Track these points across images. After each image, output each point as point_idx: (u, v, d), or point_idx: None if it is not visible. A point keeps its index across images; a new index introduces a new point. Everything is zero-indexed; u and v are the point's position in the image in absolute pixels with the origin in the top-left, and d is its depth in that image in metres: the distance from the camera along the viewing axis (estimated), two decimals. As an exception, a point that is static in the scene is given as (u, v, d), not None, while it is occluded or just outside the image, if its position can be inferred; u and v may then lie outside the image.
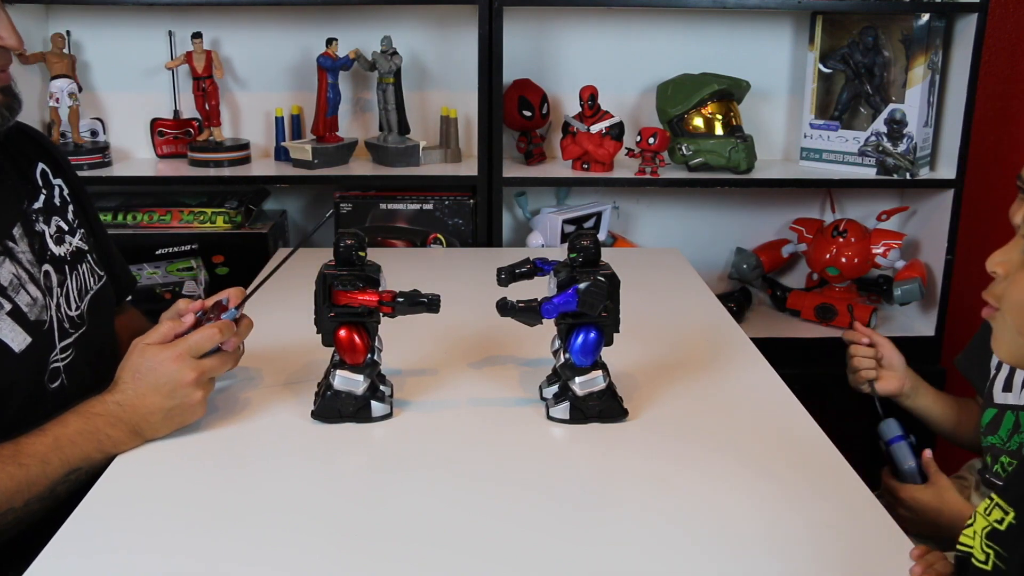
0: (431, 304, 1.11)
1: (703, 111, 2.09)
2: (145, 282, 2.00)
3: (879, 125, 2.10)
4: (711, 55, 2.19)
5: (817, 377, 1.66)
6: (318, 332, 1.11)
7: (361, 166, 2.14)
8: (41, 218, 1.19)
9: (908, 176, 2.08)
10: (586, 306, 1.09)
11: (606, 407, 1.14)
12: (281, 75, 2.20)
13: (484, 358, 1.32)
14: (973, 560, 0.77)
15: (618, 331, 1.13)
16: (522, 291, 1.16)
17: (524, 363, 1.29)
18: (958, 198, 2.11)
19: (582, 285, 1.09)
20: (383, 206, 2.09)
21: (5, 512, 0.97)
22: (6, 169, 1.18)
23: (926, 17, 2.01)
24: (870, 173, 2.12)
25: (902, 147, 2.07)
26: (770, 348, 1.40)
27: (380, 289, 1.11)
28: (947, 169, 2.13)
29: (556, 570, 0.87)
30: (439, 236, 2.09)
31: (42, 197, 1.22)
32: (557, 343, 1.17)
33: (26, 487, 0.98)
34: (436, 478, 1.02)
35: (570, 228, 2.16)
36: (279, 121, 2.18)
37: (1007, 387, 1.33)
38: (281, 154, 2.17)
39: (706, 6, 2.08)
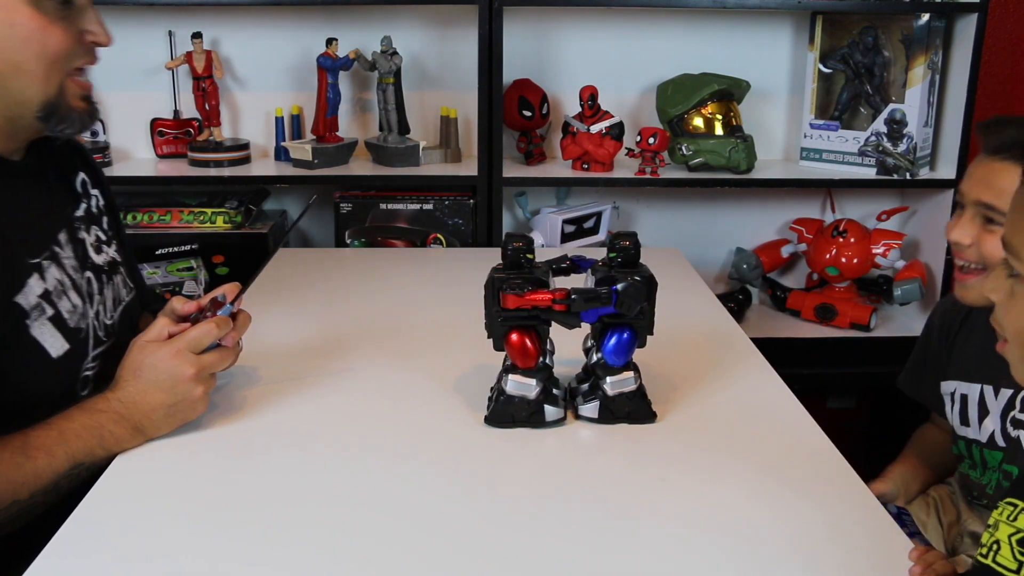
0: (606, 298, 1.09)
1: (703, 111, 2.09)
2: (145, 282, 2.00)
3: (879, 125, 2.10)
4: (711, 55, 2.19)
5: (817, 377, 1.68)
6: (489, 336, 1.10)
7: (361, 166, 2.14)
8: (83, 226, 1.20)
9: (908, 176, 2.08)
10: (624, 307, 1.09)
11: (635, 408, 1.14)
12: (281, 75, 2.20)
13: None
14: (1002, 571, 0.75)
15: (652, 333, 1.13)
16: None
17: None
18: (958, 198, 2.11)
19: (620, 285, 1.08)
20: (383, 206, 2.09)
21: (10, 504, 0.97)
22: (54, 175, 1.19)
23: (926, 17, 2.01)
24: (870, 173, 2.12)
25: (902, 147, 2.07)
26: (770, 348, 1.40)
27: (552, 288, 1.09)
28: (947, 169, 2.13)
29: (570, 568, 0.87)
30: (439, 236, 2.09)
31: (83, 206, 1.23)
32: (590, 342, 1.17)
33: (32, 479, 0.98)
34: (455, 473, 1.02)
35: (570, 228, 2.16)
36: (279, 121, 2.18)
37: (964, 421, 1.32)
38: (281, 154, 2.17)
39: (706, 6, 2.08)
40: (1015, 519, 0.75)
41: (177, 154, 2.20)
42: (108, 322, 1.20)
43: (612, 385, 1.12)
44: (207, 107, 2.12)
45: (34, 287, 1.05)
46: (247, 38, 2.17)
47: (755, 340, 1.43)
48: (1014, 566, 0.74)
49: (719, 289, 2.36)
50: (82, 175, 1.25)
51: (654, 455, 1.08)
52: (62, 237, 1.14)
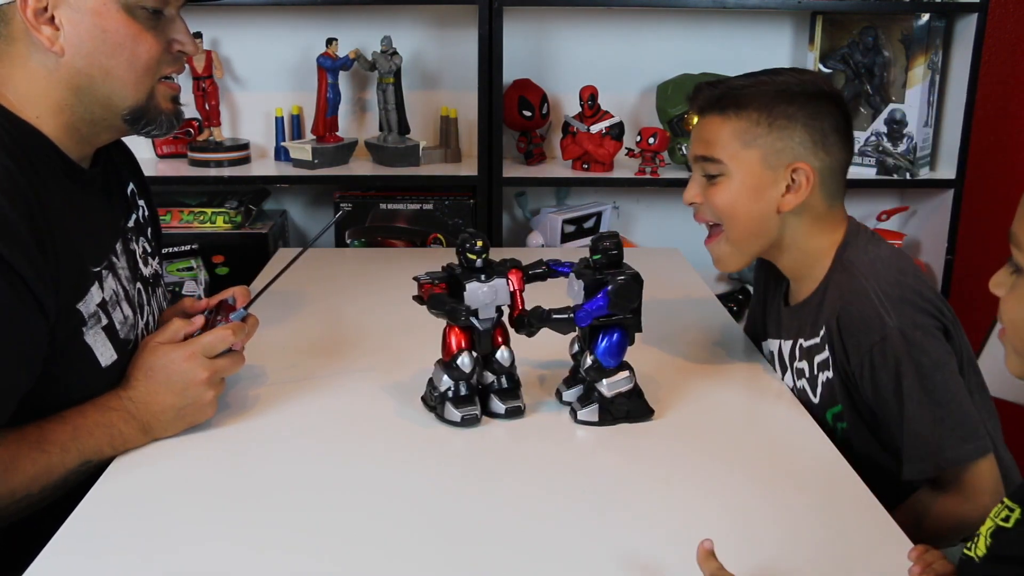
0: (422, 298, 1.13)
1: (703, 111, 2.09)
2: (145, 282, 2.00)
3: (879, 125, 2.10)
4: (711, 55, 2.19)
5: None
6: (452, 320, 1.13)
7: (361, 166, 2.14)
8: (133, 237, 1.20)
9: (908, 176, 2.08)
10: (617, 306, 1.09)
11: (634, 407, 1.14)
12: (281, 75, 2.20)
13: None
14: (975, 558, 0.77)
15: (640, 330, 1.13)
16: (536, 292, 1.17)
17: (538, 365, 1.29)
18: (958, 198, 2.11)
19: (612, 286, 1.09)
20: (383, 206, 2.09)
21: (20, 498, 0.97)
22: (112, 182, 1.19)
23: (926, 17, 2.01)
24: (870, 173, 2.12)
25: (902, 147, 2.07)
26: (770, 348, 1.40)
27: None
28: (947, 169, 2.13)
29: (577, 567, 0.87)
30: (439, 236, 2.09)
31: (133, 216, 1.22)
32: (577, 345, 1.17)
33: (45, 473, 0.98)
34: (458, 473, 1.03)
35: (570, 228, 2.16)
36: (279, 121, 2.18)
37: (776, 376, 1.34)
38: (281, 154, 2.17)
39: (706, 6, 2.08)
40: (999, 514, 0.77)
41: (177, 154, 2.20)
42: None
43: (609, 387, 1.12)
44: (207, 107, 2.12)
45: (94, 296, 1.05)
46: (247, 38, 2.17)
47: (755, 340, 1.43)
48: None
49: (719, 289, 2.35)
50: (131, 185, 1.25)
51: (654, 455, 1.08)
52: (118, 247, 1.14)
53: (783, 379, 1.30)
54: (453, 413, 1.12)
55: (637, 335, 1.15)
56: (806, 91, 1.22)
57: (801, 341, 1.25)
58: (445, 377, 1.12)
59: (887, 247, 1.22)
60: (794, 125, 1.19)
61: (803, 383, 1.25)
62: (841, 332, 1.15)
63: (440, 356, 1.14)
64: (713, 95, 1.25)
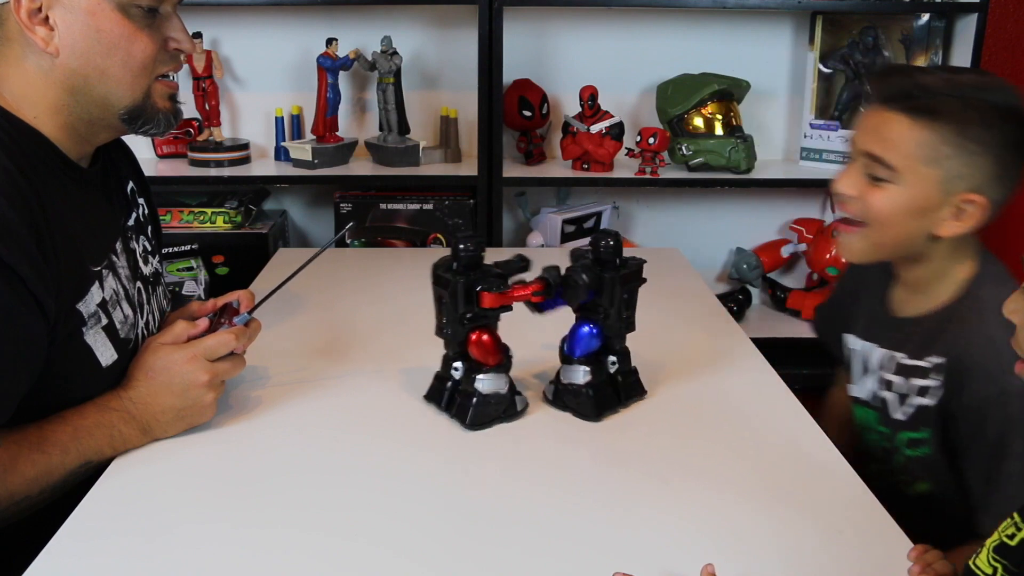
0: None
1: (703, 111, 2.09)
2: (145, 282, 2.00)
3: (879, 125, 2.10)
4: (711, 55, 2.19)
5: (817, 377, 1.66)
6: (450, 339, 1.11)
7: (361, 166, 2.15)
8: (133, 235, 1.20)
9: (908, 176, 2.08)
10: (568, 294, 1.11)
11: (580, 404, 1.14)
12: (281, 75, 2.20)
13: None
14: (979, 573, 0.77)
15: (633, 329, 1.14)
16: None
17: (536, 360, 1.29)
18: (958, 198, 2.10)
19: (565, 273, 1.11)
20: (383, 206, 2.09)
21: (20, 500, 0.97)
22: (112, 181, 1.19)
23: (926, 17, 2.01)
24: (870, 173, 2.11)
25: (902, 147, 2.07)
26: (770, 348, 1.40)
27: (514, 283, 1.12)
28: (947, 169, 2.13)
29: (564, 564, 0.87)
30: (439, 236, 2.09)
31: (133, 215, 1.22)
32: None
33: (45, 475, 0.98)
34: (455, 472, 1.03)
35: (570, 228, 2.16)
36: (279, 121, 2.18)
37: (852, 378, 1.30)
38: (281, 154, 2.17)
39: (706, 6, 2.08)
40: (1005, 530, 0.77)
41: (177, 154, 2.20)
42: (155, 333, 1.19)
43: (564, 374, 1.15)
44: (207, 107, 2.12)
45: (94, 295, 1.05)
46: (247, 38, 2.18)
47: (755, 340, 1.43)
48: (989, 571, 0.77)
49: (719, 289, 2.36)
50: (131, 183, 1.24)
51: (653, 455, 1.08)
52: (118, 246, 1.14)
53: (860, 380, 1.27)
54: (522, 400, 1.15)
55: (633, 334, 1.15)
56: (1003, 112, 1.08)
57: (901, 357, 1.18)
58: (504, 377, 1.12)
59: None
60: (985, 153, 1.08)
61: (890, 395, 1.20)
62: (962, 373, 1.10)
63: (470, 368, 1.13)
64: (905, 88, 1.11)
